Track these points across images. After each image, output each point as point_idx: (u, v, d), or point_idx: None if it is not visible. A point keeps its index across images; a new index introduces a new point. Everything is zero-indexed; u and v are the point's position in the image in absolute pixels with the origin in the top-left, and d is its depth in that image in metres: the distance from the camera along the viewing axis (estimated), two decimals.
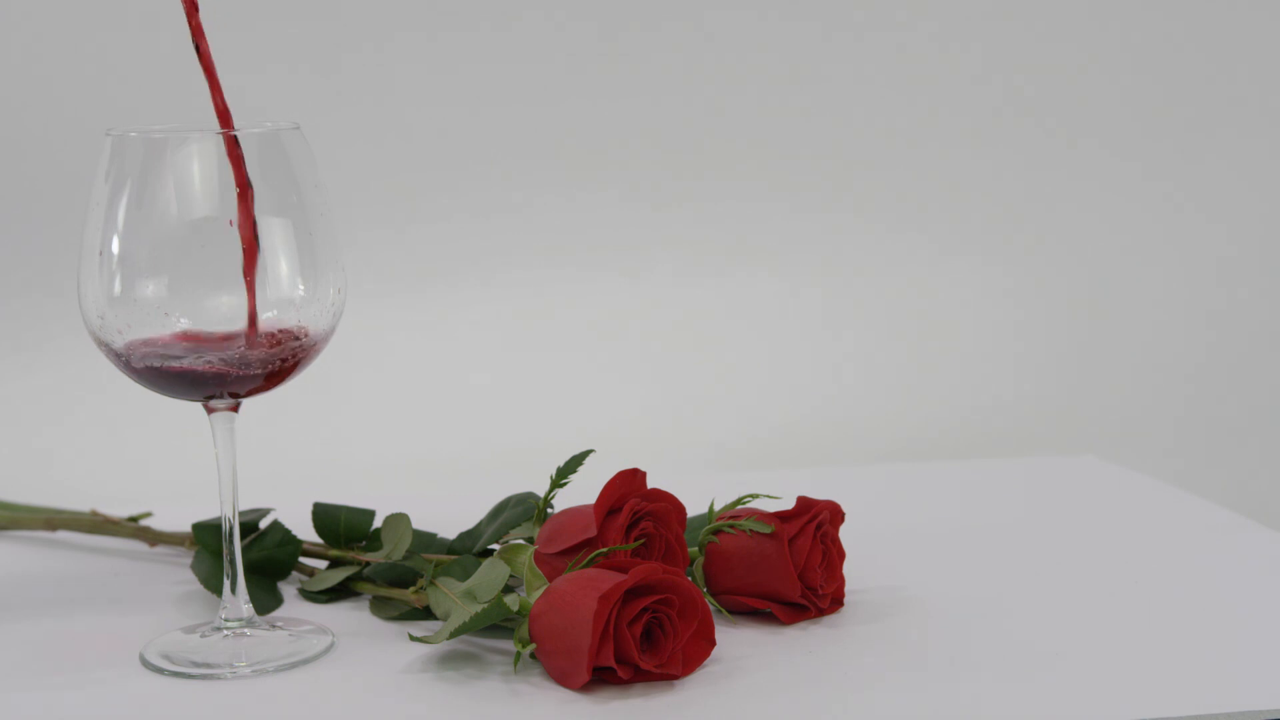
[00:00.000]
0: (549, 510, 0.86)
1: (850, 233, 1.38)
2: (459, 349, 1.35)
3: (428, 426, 1.34)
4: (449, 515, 0.95)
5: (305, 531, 0.93)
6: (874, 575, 0.90)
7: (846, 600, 0.87)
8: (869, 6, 1.37)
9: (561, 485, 0.84)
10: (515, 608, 0.77)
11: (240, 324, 0.77)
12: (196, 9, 0.79)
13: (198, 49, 0.79)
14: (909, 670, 0.78)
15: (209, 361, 0.76)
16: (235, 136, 0.77)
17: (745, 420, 1.37)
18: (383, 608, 0.86)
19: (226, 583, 0.82)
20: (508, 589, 0.81)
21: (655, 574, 0.75)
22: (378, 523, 0.92)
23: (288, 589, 0.91)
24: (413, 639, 0.78)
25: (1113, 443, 1.38)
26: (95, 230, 0.77)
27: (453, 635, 0.76)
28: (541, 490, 0.90)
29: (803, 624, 0.84)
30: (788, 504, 0.87)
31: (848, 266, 1.38)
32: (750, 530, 0.83)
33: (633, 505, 0.81)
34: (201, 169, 0.76)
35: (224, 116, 0.79)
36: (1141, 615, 0.84)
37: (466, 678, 0.77)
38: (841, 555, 0.86)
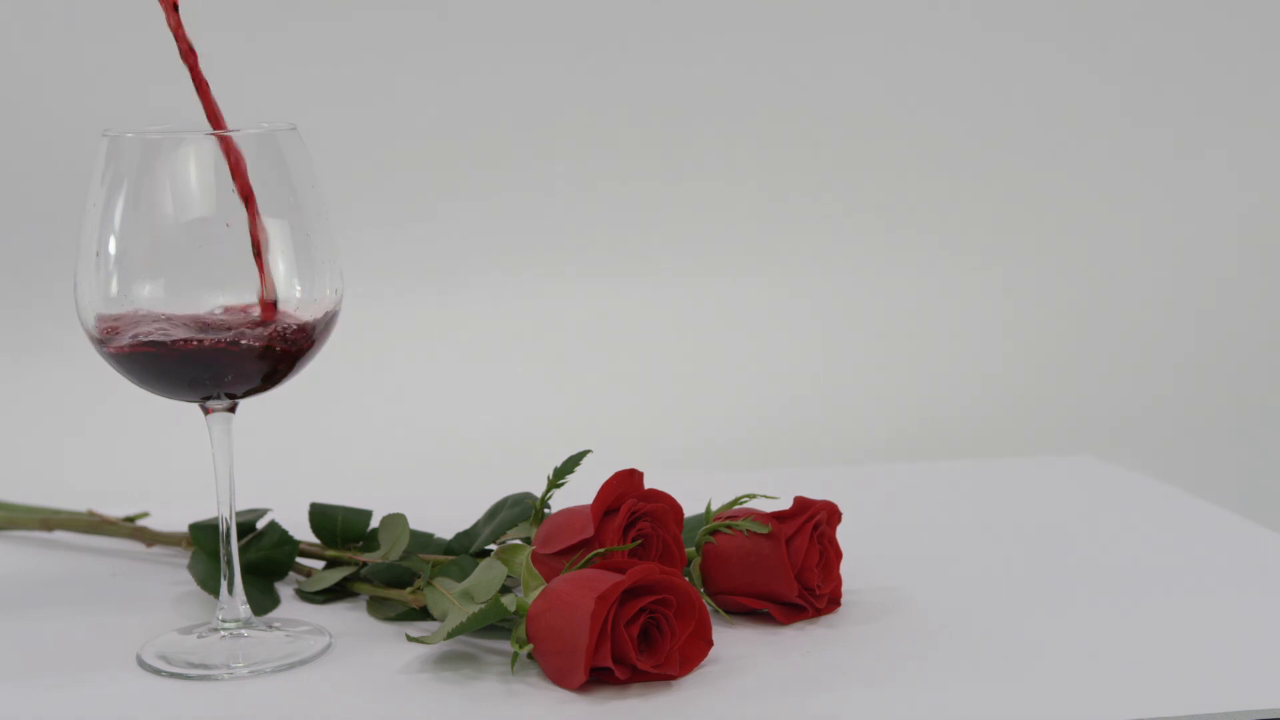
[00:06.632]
0: (546, 510, 0.86)
1: (848, 233, 1.38)
2: (456, 349, 1.35)
3: (425, 427, 1.33)
4: (446, 515, 0.95)
5: (302, 532, 0.92)
6: (871, 575, 0.90)
7: (844, 600, 0.87)
8: (867, 8, 1.37)
9: (559, 485, 0.84)
10: (512, 608, 0.77)
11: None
12: (194, 53, 0.79)
13: (192, 74, 0.79)
14: (906, 670, 0.77)
15: (211, 338, 0.76)
16: (235, 144, 0.77)
17: (742, 420, 1.37)
18: (380, 608, 0.86)
19: (224, 583, 0.82)
20: (505, 589, 0.81)
21: (653, 574, 0.75)
22: (375, 523, 0.91)
23: (285, 589, 0.91)
24: (410, 639, 0.78)
25: (1111, 443, 1.38)
26: (92, 231, 0.77)
27: (450, 636, 0.76)
28: (539, 490, 0.89)
29: (800, 624, 0.84)
30: (785, 504, 0.87)
31: (846, 266, 1.38)
32: (747, 530, 0.83)
33: (630, 505, 0.81)
34: (198, 170, 0.76)
35: (217, 121, 0.79)
36: (1140, 615, 0.84)
37: (464, 678, 0.77)
38: (838, 555, 0.86)
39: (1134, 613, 0.84)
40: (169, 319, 0.76)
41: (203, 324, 0.77)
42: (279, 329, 0.77)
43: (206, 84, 0.80)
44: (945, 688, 0.75)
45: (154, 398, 0.81)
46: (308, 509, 0.92)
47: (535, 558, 0.82)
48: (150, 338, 0.76)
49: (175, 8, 0.79)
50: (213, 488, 0.82)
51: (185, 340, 0.76)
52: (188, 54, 0.79)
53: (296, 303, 0.78)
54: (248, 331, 0.77)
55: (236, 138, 0.77)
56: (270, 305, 0.77)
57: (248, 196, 0.77)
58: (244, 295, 0.77)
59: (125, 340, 0.76)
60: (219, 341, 0.76)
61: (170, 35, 0.79)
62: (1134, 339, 1.41)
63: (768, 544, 0.83)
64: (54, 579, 0.95)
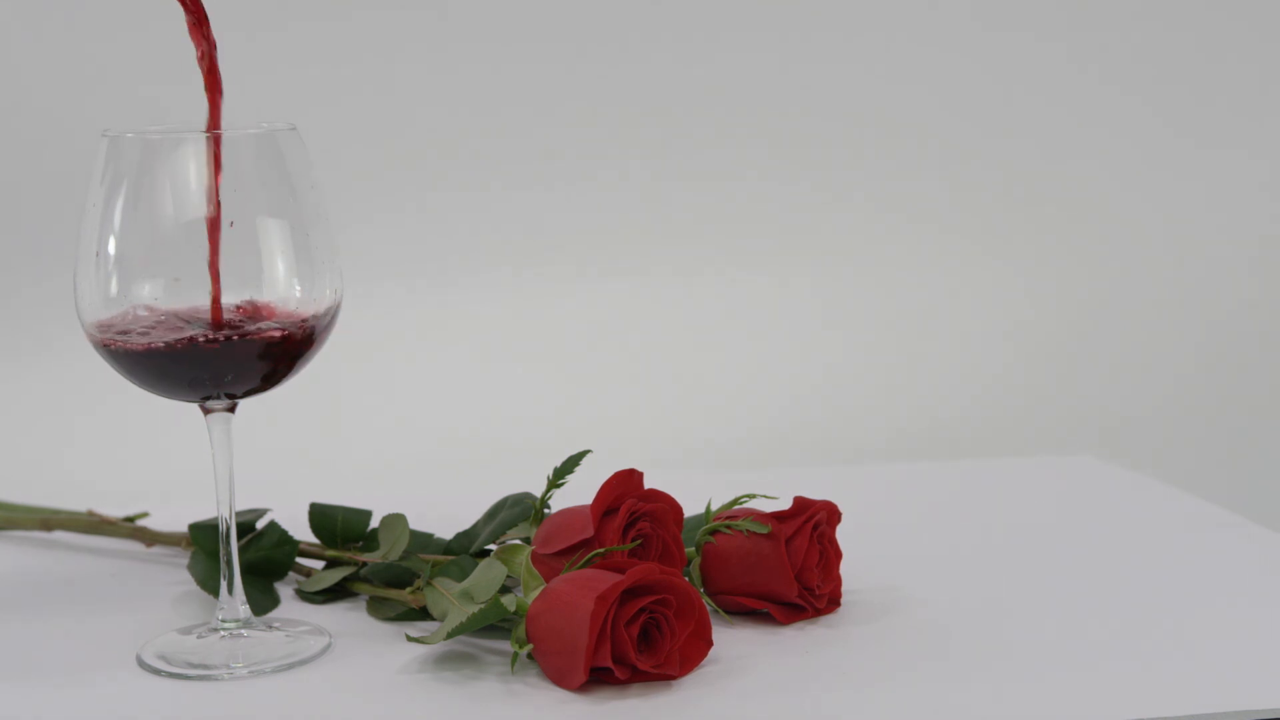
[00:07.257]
0: (546, 510, 0.86)
1: (849, 233, 1.38)
2: (456, 349, 1.35)
3: (425, 427, 1.33)
4: (446, 515, 0.95)
5: (302, 532, 0.92)
6: (871, 575, 0.90)
7: (843, 600, 0.87)
8: (867, 8, 1.37)
9: (558, 485, 0.84)
10: (512, 608, 0.77)
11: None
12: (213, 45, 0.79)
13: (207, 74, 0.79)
14: (906, 670, 0.77)
15: (206, 336, 0.76)
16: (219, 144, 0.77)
17: (742, 420, 1.37)
18: (380, 608, 0.86)
19: (223, 583, 0.82)
20: (505, 589, 0.81)
21: (652, 574, 0.75)
22: (374, 523, 0.91)
23: (284, 590, 0.91)
24: (410, 639, 0.78)
25: (1111, 443, 1.38)
26: (91, 231, 0.77)
27: (450, 636, 0.76)
28: (538, 490, 0.89)
29: (800, 624, 0.84)
30: (785, 504, 0.87)
31: (847, 266, 1.38)
32: (747, 530, 0.83)
33: (630, 505, 0.81)
34: (197, 170, 0.76)
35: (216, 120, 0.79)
36: (1140, 615, 0.84)
37: (464, 678, 0.77)
38: (838, 555, 0.86)
39: (1134, 613, 0.84)
40: (168, 319, 0.77)
41: (202, 324, 0.77)
42: (279, 326, 0.77)
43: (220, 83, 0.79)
44: (945, 688, 0.75)
45: (154, 398, 0.81)
46: (308, 509, 0.92)
47: (535, 558, 0.82)
48: (149, 338, 0.76)
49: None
50: (212, 488, 0.82)
51: (185, 340, 0.76)
52: (209, 50, 0.79)
53: (296, 302, 0.78)
54: (247, 330, 0.77)
55: (235, 140, 0.77)
56: (218, 305, 0.77)
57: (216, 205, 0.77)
58: (244, 295, 0.77)
59: (125, 340, 0.76)
60: (218, 340, 0.76)
61: (180, 36, 0.79)
62: (1134, 339, 1.41)
63: (768, 544, 0.83)
64: (54, 579, 0.95)
